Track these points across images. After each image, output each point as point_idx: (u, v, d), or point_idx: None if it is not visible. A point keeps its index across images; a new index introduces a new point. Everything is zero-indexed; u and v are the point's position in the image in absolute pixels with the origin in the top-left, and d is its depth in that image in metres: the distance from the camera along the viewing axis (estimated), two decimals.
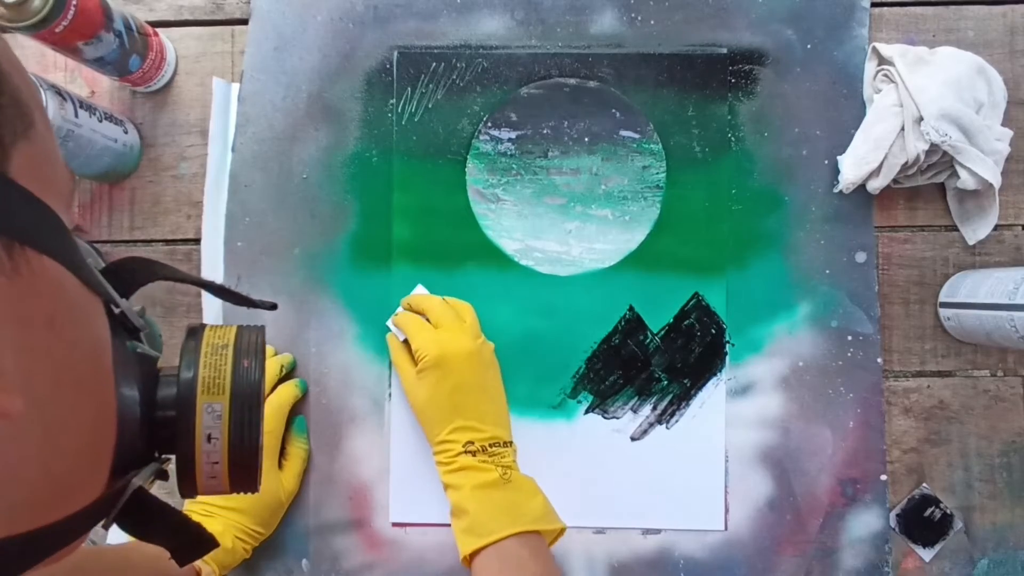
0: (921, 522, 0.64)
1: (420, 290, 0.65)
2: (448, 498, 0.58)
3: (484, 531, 0.54)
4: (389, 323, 0.64)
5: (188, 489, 0.30)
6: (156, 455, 0.29)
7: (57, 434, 0.23)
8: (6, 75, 0.22)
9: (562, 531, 0.58)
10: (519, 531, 0.54)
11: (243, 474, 0.30)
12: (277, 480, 0.61)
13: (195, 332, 0.32)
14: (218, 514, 0.58)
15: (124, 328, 0.28)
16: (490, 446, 0.57)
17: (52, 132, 0.24)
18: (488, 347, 0.61)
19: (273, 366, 0.63)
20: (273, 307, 0.38)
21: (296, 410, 0.65)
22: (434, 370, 0.58)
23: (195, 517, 0.55)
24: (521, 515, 0.55)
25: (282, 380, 0.64)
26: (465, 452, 0.57)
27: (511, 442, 0.59)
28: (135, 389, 0.28)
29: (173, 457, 0.29)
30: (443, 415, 0.58)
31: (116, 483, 0.27)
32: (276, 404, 0.61)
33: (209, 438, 0.29)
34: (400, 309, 0.65)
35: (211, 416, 0.29)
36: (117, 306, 0.27)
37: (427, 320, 0.61)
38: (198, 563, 0.56)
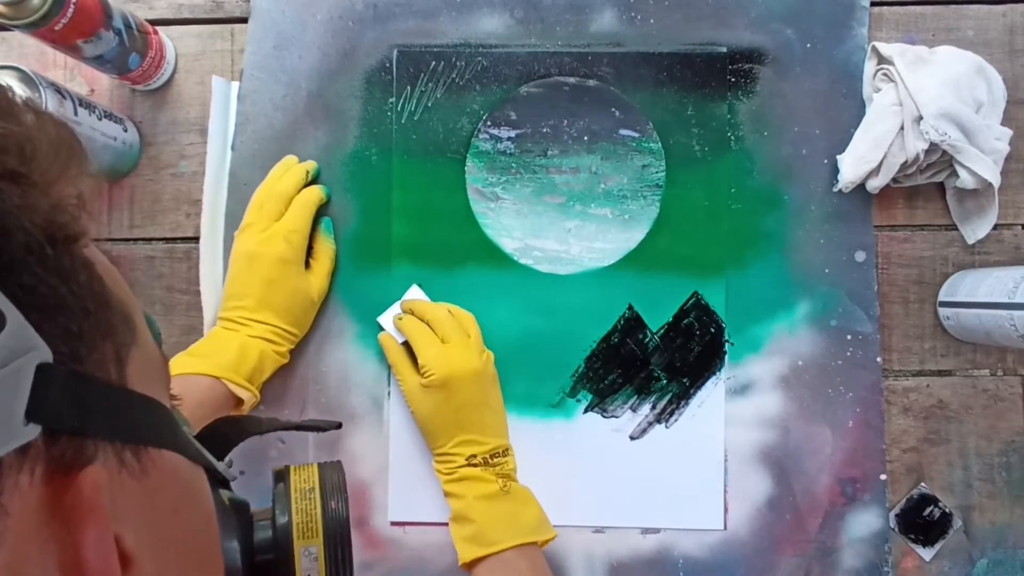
0: (920, 521, 0.64)
1: (416, 292, 0.65)
2: (449, 504, 0.60)
3: (487, 541, 0.56)
4: (384, 322, 0.64)
5: None
6: None
7: None
8: (114, 295, 0.23)
9: (553, 537, 0.59)
10: (520, 542, 0.56)
11: None
12: (306, 279, 0.62)
13: (282, 476, 0.34)
14: (250, 323, 0.59)
15: (217, 480, 0.31)
16: (491, 456, 0.59)
17: (144, 325, 0.25)
18: (490, 360, 0.62)
19: (299, 172, 0.64)
20: (338, 427, 0.43)
21: (322, 212, 0.65)
22: (441, 389, 0.59)
23: (228, 326, 0.59)
24: (521, 526, 0.57)
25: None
26: (468, 464, 0.59)
27: (509, 448, 0.61)
28: (235, 539, 0.30)
29: None
30: (447, 429, 0.59)
31: None
32: (303, 203, 0.62)
33: None
34: (396, 308, 0.64)
35: (308, 559, 0.31)
36: (215, 469, 0.30)
37: (430, 328, 0.62)
38: (238, 390, 0.57)
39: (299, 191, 0.63)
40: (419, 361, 0.60)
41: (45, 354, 0.19)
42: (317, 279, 0.63)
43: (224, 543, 0.29)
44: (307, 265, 0.63)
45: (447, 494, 0.60)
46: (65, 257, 0.21)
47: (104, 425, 0.20)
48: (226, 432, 0.33)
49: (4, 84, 0.25)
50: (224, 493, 0.31)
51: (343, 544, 0.32)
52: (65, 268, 0.20)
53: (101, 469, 0.19)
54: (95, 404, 0.20)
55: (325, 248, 0.64)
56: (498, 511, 0.58)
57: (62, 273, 0.20)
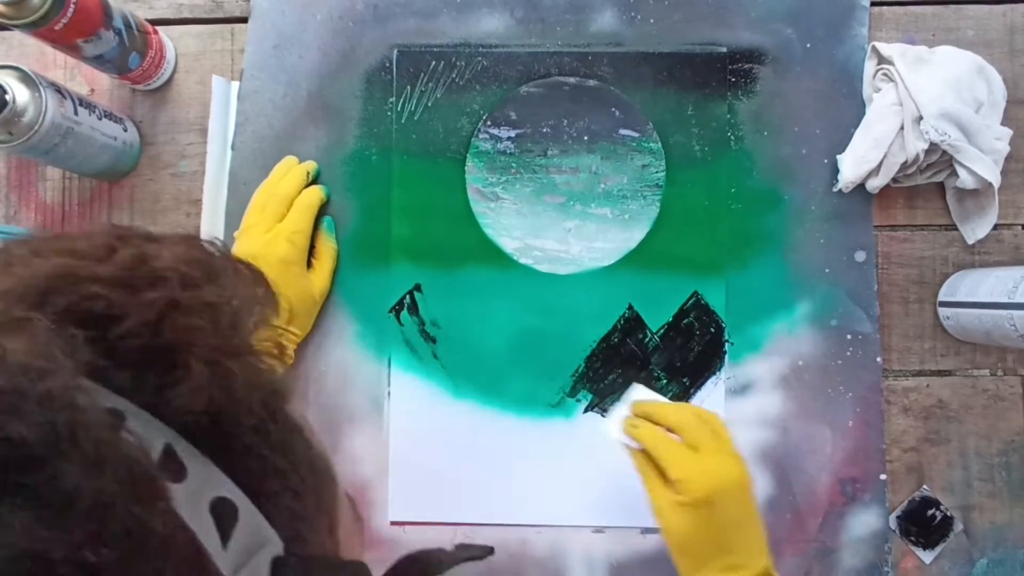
0: (921, 524, 0.64)
1: (642, 392, 0.58)
2: None
3: None
4: (612, 428, 0.57)
5: None
6: None
7: None
8: (319, 455, 0.23)
9: None
10: None
11: None
12: (309, 279, 0.62)
13: None
14: None
15: None
16: None
17: (348, 499, 0.25)
18: (746, 465, 0.53)
19: (299, 173, 0.64)
20: (491, 552, 0.38)
21: (322, 212, 0.65)
22: (703, 508, 0.50)
23: None
24: None
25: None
26: None
27: (770, 566, 0.52)
28: None
29: None
30: (711, 554, 0.51)
31: None
32: (304, 204, 0.62)
33: None
34: (622, 411, 0.57)
35: None
36: None
37: (671, 432, 0.54)
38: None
39: (300, 192, 0.63)
40: (673, 475, 0.51)
41: (277, 547, 0.19)
42: (319, 279, 0.63)
43: None
44: (309, 265, 0.64)
45: None
46: (284, 429, 0.20)
47: None
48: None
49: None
50: None
51: None
52: (286, 443, 0.20)
53: None
54: None
55: (327, 248, 0.64)
56: None
57: (285, 449, 0.20)
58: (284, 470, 0.20)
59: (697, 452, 0.52)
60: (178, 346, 0.20)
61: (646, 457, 0.54)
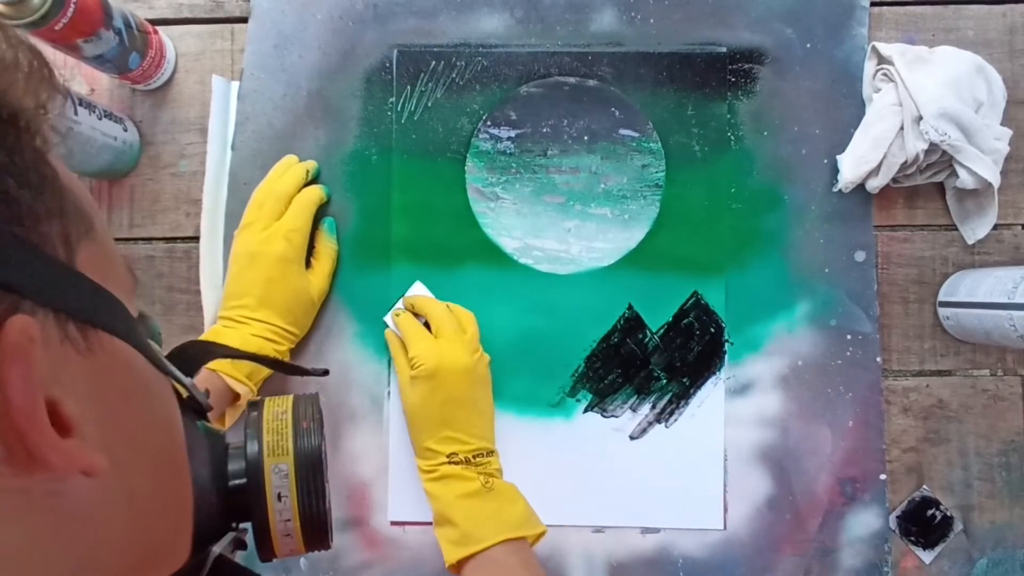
0: (921, 524, 0.64)
1: (419, 288, 0.65)
2: (431, 506, 0.58)
3: (471, 540, 0.55)
4: (387, 319, 0.64)
5: (266, 551, 0.32)
6: (235, 526, 0.31)
7: (139, 500, 0.25)
8: (67, 188, 0.24)
9: (544, 533, 0.58)
10: (505, 538, 0.54)
11: (315, 528, 0.32)
12: (307, 279, 0.62)
13: (256, 404, 0.34)
14: (250, 321, 0.59)
15: (192, 409, 0.31)
16: (474, 457, 0.58)
17: (110, 236, 0.27)
18: (484, 360, 0.61)
19: (299, 171, 0.64)
20: (325, 373, 0.43)
21: (322, 212, 0.65)
22: (428, 380, 0.58)
23: (228, 324, 0.59)
24: (505, 522, 0.56)
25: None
26: (449, 462, 0.58)
27: (494, 451, 0.60)
28: (208, 464, 0.30)
29: (249, 525, 0.31)
30: (431, 424, 0.59)
31: (198, 554, 0.28)
32: (303, 202, 0.62)
33: (279, 497, 0.31)
34: (400, 305, 0.65)
35: (279, 476, 0.31)
36: (184, 387, 0.30)
37: (427, 325, 0.62)
38: (235, 384, 0.58)
39: (299, 190, 0.63)
40: (409, 353, 0.60)
41: None
42: (318, 279, 0.63)
43: (196, 465, 0.29)
44: (308, 265, 0.64)
45: (428, 495, 0.58)
46: (11, 134, 0.22)
47: (40, 290, 0.21)
48: (194, 352, 0.33)
49: None
50: (202, 423, 0.31)
51: (315, 462, 0.32)
52: (9, 142, 0.22)
53: (32, 321, 0.20)
54: (31, 267, 0.21)
55: (326, 248, 0.64)
56: (481, 509, 0.56)
57: (6, 144, 0.22)
58: (2, 161, 0.22)
59: (438, 339, 0.60)
60: None
61: (399, 340, 0.63)
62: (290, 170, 0.64)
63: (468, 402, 0.59)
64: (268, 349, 0.60)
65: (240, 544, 0.31)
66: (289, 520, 0.31)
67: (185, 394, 0.31)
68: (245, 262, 0.60)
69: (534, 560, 0.56)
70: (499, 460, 0.60)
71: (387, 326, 0.65)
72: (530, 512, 0.58)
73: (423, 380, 0.58)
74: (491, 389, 0.62)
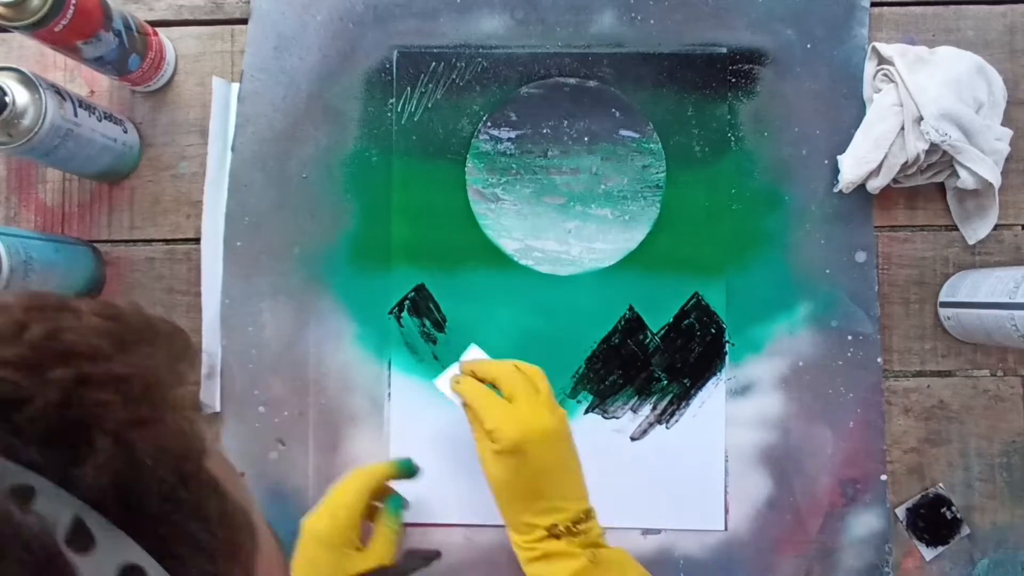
0: (930, 521, 0.64)
1: (476, 352, 0.61)
2: None
3: None
4: (442, 385, 0.59)
5: None
6: None
7: None
8: (239, 508, 0.23)
9: None
10: None
11: None
12: (353, 561, 0.56)
13: None
14: None
15: None
16: (575, 524, 0.53)
17: (263, 521, 0.26)
18: (563, 417, 0.55)
19: (382, 471, 0.59)
20: (437, 556, 0.40)
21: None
22: (514, 454, 0.52)
23: None
24: None
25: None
26: (550, 536, 0.52)
27: (591, 509, 0.55)
28: None
29: None
30: (525, 499, 0.53)
31: None
32: (359, 474, 0.58)
33: None
34: (454, 370, 0.59)
35: None
36: None
37: (494, 389, 0.56)
38: None
39: (371, 473, 0.59)
40: (486, 426, 0.53)
41: None
42: (367, 562, 0.56)
43: None
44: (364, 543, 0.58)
45: None
46: (197, 492, 0.21)
47: None
48: None
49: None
50: None
51: None
52: (199, 505, 0.21)
53: None
54: None
55: (385, 530, 0.58)
56: None
57: (198, 512, 0.21)
58: (196, 533, 0.21)
59: (512, 404, 0.54)
60: (85, 422, 0.21)
61: (473, 411, 0.56)
62: (386, 465, 0.60)
63: (560, 467, 0.54)
64: None
65: None
66: None
67: None
68: (300, 536, 0.56)
69: None
70: (598, 520, 0.55)
71: (444, 393, 0.59)
72: None
73: (508, 455, 0.52)
74: (574, 443, 0.56)
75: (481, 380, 0.57)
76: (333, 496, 0.57)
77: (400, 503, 0.61)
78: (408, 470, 0.61)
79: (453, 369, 0.59)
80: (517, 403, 0.54)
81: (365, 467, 0.59)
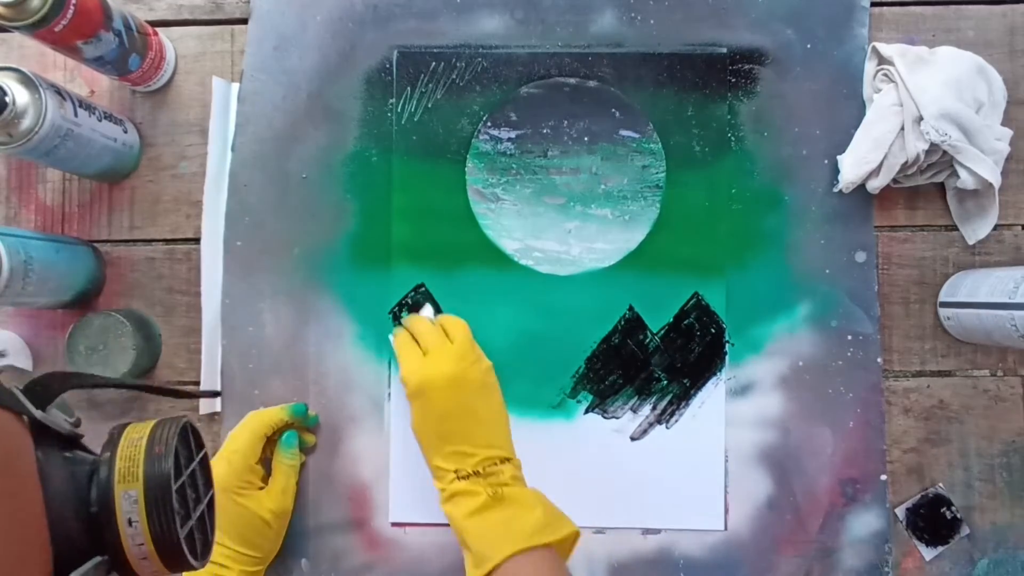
0: (930, 521, 0.64)
1: (426, 311, 0.64)
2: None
3: (482, 559, 0.52)
4: (391, 337, 0.63)
5: (127, 575, 0.32)
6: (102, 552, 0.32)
7: None
8: None
9: (574, 535, 0.55)
10: (517, 550, 0.51)
11: (171, 551, 0.32)
12: (255, 500, 0.59)
13: (117, 429, 0.35)
14: None
15: (56, 437, 0.31)
16: (483, 468, 0.55)
17: None
18: (479, 367, 0.59)
19: (275, 410, 0.62)
20: (216, 395, 0.44)
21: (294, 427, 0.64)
22: (417, 399, 0.57)
23: None
24: (516, 532, 0.52)
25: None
26: (457, 478, 0.55)
27: (509, 458, 0.57)
28: (68, 492, 0.31)
29: None
30: (432, 442, 0.57)
31: None
32: (248, 423, 0.61)
33: (130, 522, 0.31)
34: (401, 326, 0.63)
35: (128, 502, 0.31)
36: (55, 427, 0.31)
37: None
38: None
39: (260, 420, 0.62)
40: (401, 375, 0.59)
41: None
42: (270, 498, 0.60)
43: (51, 493, 0.29)
44: (267, 482, 0.61)
45: (447, 518, 0.56)
46: None
47: None
48: (50, 383, 0.33)
49: None
50: (70, 453, 0.32)
51: (164, 486, 0.32)
52: None
53: None
54: None
55: (281, 464, 0.62)
56: (489, 523, 0.53)
57: None
58: None
59: (425, 354, 0.59)
60: None
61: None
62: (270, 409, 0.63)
63: (463, 413, 0.57)
64: (221, 574, 0.57)
65: (110, 568, 0.32)
66: (143, 544, 0.31)
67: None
68: None
69: (555, 567, 0.52)
70: (517, 467, 0.57)
71: (391, 342, 0.63)
72: (549, 518, 0.54)
73: (413, 399, 0.58)
74: (495, 393, 0.59)
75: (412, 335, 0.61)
76: (226, 445, 0.60)
77: (294, 438, 0.63)
78: (301, 414, 0.63)
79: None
80: (429, 353, 0.59)
81: (256, 412, 0.62)
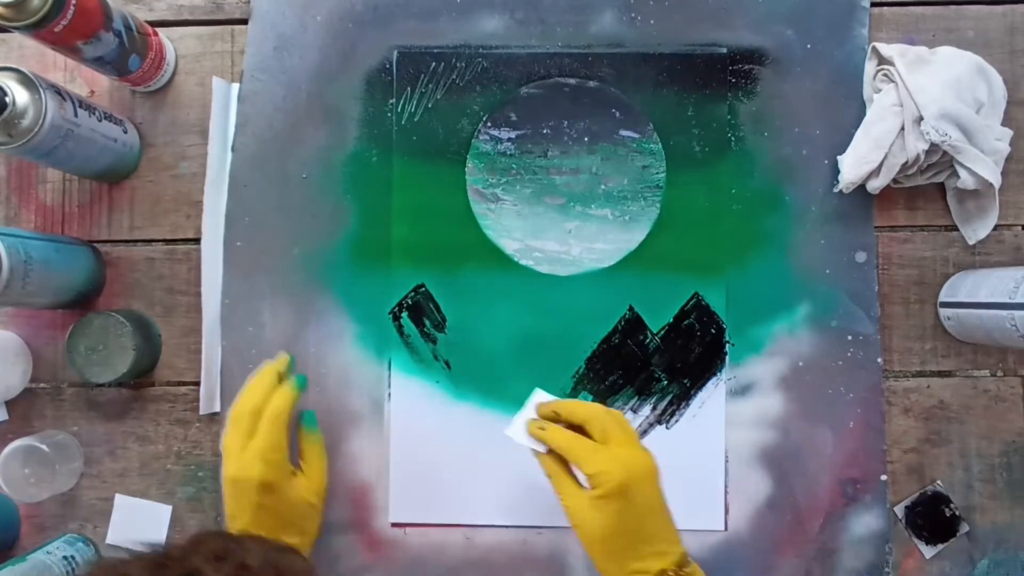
0: (929, 519, 0.64)
1: (542, 396, 0.57)
2: None
3: None
4: (515, 433, 0.56)
5: None
6: None
7: None
8: None
9: None
10: None
11: None
12: (298, 487, 0.58)
13: None
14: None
15: None
16: (679, 568, 0.51)
17: None
18: (653, 456, 0.53)
19: (266, 378, 0.59)
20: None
21: (302, 404, 0.62)
22: (620, 497, 0.50)
23: None
24: None
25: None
26: None
27: (686, 552, 0.52)
28: None
29: None
30: (631, 544, 0.50)
31: None
32: (271, 415, 0.57)
33: None
34: (526, 414, 0.56)
35: None
36: None
37: (583, 432, 0.53)
38: None
39: (267, 398, 0.58)
40: (587, 470, 0.51)
41: None
42: (311, 480, 0.59)
43: None
44: (298, 465, 0.60)
45: None
46: None
47: None
48: None
49: None
50: None
51: None
52: None
53: None
54: None
55: (311, 444, 0.61)
56: None
57: None
58: None
59: (607, 445, 0.51)
60: None
61: (554, 458, 0.53)
62: (260, 377, 0.60)
63: (661, 509, 0.52)
64: None
65: None
66: None
67: None
68: (231, 488, 0.56)
69: None
70: (691, 560, 0.52)
71: (520, 441, 0.55)
72: None
73: (614, 498, 0.50)
74: None
75: (567, 424, 0.54)
76: (256, 441, 0.56)
77: (312, 417, 0.62)
78: (305, 386, 0.61)
79: (525, 414, 0.56)
80: (613, 445, 0.51)
81: (272, 407, 0.58)
